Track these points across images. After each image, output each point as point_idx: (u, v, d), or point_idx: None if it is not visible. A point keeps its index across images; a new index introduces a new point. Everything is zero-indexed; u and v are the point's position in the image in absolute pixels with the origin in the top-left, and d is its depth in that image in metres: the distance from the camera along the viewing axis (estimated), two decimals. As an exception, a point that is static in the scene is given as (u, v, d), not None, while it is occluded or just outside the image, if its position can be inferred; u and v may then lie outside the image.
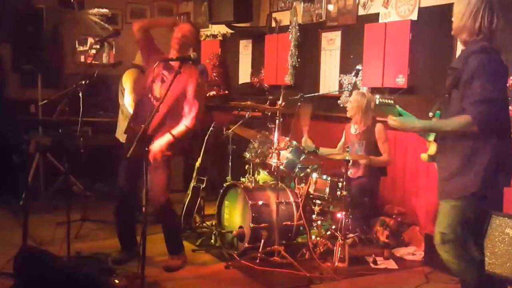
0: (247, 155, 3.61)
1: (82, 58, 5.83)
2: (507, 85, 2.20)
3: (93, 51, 5.43)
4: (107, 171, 4.64)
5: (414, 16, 3.78)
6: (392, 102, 2.32)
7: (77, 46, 5.79)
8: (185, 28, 3.06)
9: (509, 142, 2.19)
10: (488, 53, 2.11)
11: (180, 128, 2.97)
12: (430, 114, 2.33)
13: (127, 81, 3.64)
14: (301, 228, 3.43)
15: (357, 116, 3.64)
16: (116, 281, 2.68)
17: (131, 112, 3.60)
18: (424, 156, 2.41)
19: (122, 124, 3.80)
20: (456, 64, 2.18)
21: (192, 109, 3.00)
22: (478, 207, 2.18)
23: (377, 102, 2.31)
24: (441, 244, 2.22)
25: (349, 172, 3.56)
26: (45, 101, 4.68)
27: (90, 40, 5.74)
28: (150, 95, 3.02)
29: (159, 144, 2.90)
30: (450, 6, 3.41)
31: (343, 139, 3.87)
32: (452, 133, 2.16)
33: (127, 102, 3.61)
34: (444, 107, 2.23)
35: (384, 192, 3.90)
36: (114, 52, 5.89)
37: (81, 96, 3.63)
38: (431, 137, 2.32)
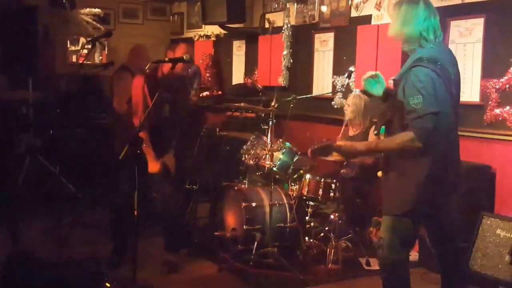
0: (241, 156, 3.60)
1: (74, 58, 5.78)
2: (451, 95, 2.12)
3: (85, 51, 5.39)
4: (99, 173, 4.61)
5: (407, 18, 3.79)
6: (327, 144, 2.35)
7: (68, 46, 5.74)
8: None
9: (452, 155, 2.16)
10: (423, 65, 2.07)
11: None
12: (375, 132, 2.33)
13: (115, 82, 3.61)
14: (294, 229, 3.43)
15: (356, 119, 3.63)
16: (108, 284, 2.65)
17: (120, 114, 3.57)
18: (379, 174, 2.39)
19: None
20: (398, 76, 2.17)
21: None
22: (418, 223, 2.18)
23: (313, 151, 2.34)
24: (377, 247, 2.27)
25: (342, 171, 3.56)
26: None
27: (82, 40, 5.70)
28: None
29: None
30: (441, 9, 3.44)
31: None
32: (398, 151, 2.14)
33: (115, 103, 3.58)
34: (388, 123, 2.21)
35: (377, 193, 3.91)
36: (106, 52, 5.85)
37: (73, 97, 3.60)
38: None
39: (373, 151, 2.29)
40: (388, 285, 2.23)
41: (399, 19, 2.18)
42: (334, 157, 2.26)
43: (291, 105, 3.74)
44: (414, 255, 3.40)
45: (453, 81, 2.17)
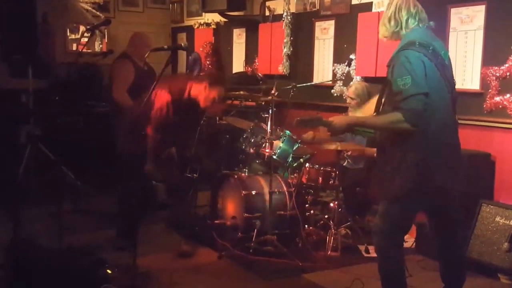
0: (241, 145, 3.61)
1: (74, 47, 5.76)
2: (442, 78, 2.11)
3: (85, 39, 5.36)
4: (99, 162, 4.62)
5: (408, 5, 3.75)
6: (316, 117, 2.32)
7: (68, 34, 5.72)
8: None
9: (450, 140, 2.15)
10: (415, 50, 2.07)
11: None
12: (374, 114, 2.32)
13: (115, 71, 3.61)
14: (294, 217, 3.44)
15: (360, 107, 3.59)
16: (108, 271, 2.68)
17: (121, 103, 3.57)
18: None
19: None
20: (389, 61, 2.17)
21: None
22: (415, 208, 2.18)
23: (298, 120, 2.32)
24: (372, 232, 2.27)
25: (345, 163, 3.56)
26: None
27: (82, 28, 5.67)
28: None
29: None
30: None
31: None
32: (384, 130, 2.14)
33: (114, 92, 3.58)
34: (384, 104, 2.21)
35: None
36: (106, 40, 5.82)
37: (73, 86, 3.59)
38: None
39: (361, 125, 2.28)
40: (384, 270, 2.25)
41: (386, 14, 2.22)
42: (319, 133, 2.21)
43: (291, 93, 3.73)
44: (411, 242, 3.43)
45: (447, 66, 2.16)
